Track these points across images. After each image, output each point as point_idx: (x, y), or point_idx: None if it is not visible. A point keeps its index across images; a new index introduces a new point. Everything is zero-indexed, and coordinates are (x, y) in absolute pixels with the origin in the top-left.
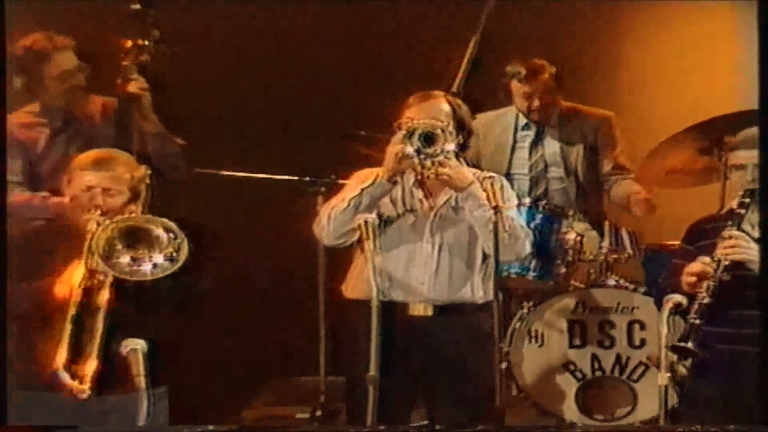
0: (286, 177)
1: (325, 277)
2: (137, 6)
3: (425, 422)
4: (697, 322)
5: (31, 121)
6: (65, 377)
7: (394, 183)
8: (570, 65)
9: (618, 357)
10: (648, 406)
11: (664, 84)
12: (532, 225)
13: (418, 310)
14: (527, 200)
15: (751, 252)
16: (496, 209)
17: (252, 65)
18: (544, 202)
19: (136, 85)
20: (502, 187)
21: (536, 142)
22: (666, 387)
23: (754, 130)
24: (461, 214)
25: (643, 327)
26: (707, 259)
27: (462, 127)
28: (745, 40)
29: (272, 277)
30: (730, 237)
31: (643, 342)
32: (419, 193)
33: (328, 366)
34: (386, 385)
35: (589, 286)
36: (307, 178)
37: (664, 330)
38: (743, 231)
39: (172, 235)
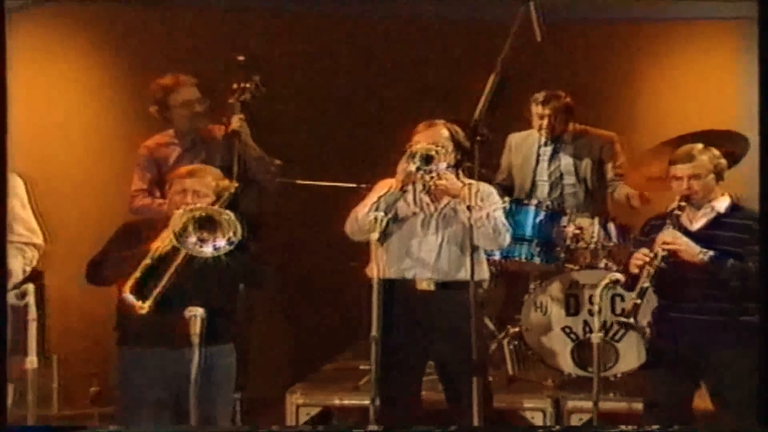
0: (346, 184)
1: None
2: (242, 58)
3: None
4: (638, 301)
5: (167, 141)
6: (130, 298)
7: (404, 192)
8: (583, 91)
9: (604, 322)
10: (627, 361)
11: (669, 104)
12: (537, 220)
13: (423, 286)
14: (534, 201)
15: (681, 244)
16: (470, 208)
17: (319, 101)
18: (547, 203)
19: (238, 120)
20: (477, 192)
21: (554, 156)
22: (599, 344)
23: (690, 147)
24: (458, 215)
25: (623, 299)
26: (647, 250)
27: (459, 148)
28: (747, 61)
29: (338, 264)
30: (666, 234)
31: (622, 311)
32: (426, 198)
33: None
34: (401, 342)
35: (583, 267)
36: (363, 185)
37: (597, 298)
38: (681, 225)
39: (232, 219)
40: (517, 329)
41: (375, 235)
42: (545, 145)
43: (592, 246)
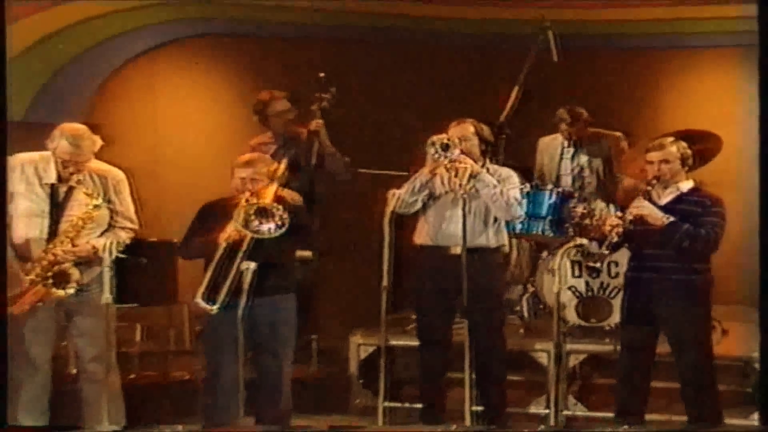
0: (394, 172)
1: None
2: (323, 74)
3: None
4: (606, 252)
5: (266, 141)
6: (201, 303)
7: (434, 174)
8: (594, 105)
9: (602, 283)
10: (619, 314)
11: (676, 117)
12: (550, 202)
13: (455, 251)
14: (549, 186)
15: (647, 210)
16: (460, 186)
17: (373, 106)
18: (559, 189)
19: (317, 123)
20: (458, 173)
21: (574, 155)
22: (558, 292)
23: (662, 139)
24: (480, 194)
25: (617, 264)
26: (619, 213)
27: (483, 141)
28: (745, 83)
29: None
30: (636, 201)
31: (617, 274)
32: (456, 180)
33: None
34: (438, 297)
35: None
36: (407, 173)
37: (558, 258)
38: (652, 200)
39: (281, 211)
40: (533, 289)
41: (389, 208)
42: (568, 147)
43: (595, 223)
